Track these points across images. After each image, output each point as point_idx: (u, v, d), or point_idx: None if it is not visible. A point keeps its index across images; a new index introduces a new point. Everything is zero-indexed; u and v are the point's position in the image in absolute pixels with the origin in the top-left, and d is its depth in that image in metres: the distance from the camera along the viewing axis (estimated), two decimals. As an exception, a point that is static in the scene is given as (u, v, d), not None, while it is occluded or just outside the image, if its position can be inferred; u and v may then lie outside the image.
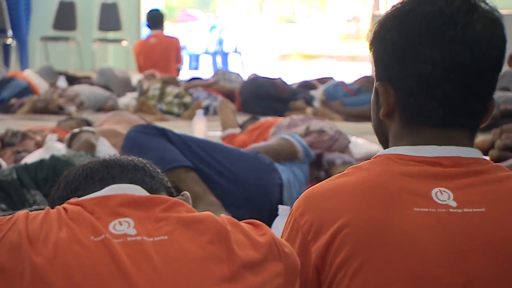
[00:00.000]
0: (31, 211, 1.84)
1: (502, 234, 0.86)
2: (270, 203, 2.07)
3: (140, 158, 0.95)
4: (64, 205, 0.85)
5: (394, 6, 0.93)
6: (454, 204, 0.87)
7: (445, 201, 0.87)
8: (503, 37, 0.93)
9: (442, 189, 0.88)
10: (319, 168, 2.83)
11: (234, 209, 2.03)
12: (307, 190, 0.93)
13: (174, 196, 0.92)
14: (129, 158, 0.94)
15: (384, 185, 0.88)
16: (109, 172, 0.91)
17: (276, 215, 2.00)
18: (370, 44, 0.95)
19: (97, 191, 0.88)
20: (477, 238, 0.85)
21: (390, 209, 0.86)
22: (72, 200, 0.87)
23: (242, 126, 3.39)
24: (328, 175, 2.60)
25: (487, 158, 0.95)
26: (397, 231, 0.85)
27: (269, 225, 2.09)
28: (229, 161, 2.07)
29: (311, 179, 2.66)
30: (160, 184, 0.92)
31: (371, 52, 0.94)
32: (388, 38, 0.92)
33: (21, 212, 0.83)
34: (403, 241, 0.85)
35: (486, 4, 0.93)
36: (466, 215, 0.86)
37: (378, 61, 0.94)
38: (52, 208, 0.88)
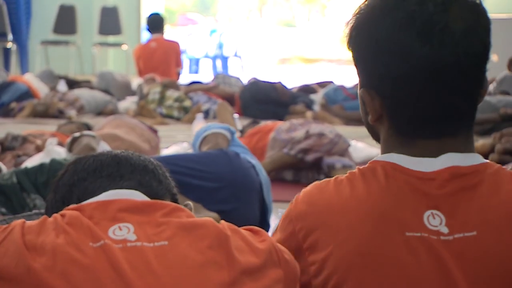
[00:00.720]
0: (31, 215, 1.83)
1: (493, 259, 0.83)
2: (252, 185, 2.12)
3: (152, 159, 0.95)
4: (62, 211, 0.85)
5: (366, 10, 0.90)
6: (445, 230, 0.84)
7: (436, 226, 0.84)
8: (486, 29, 0.87)
9: (434, 212, 0.85)
10: (319, 171, 2.84)
11: (225, 203, 2.07)
12: (311, 190, 0.91)
13: (178, 203, 0.91)
14: (141, 158, 0.93)
15: (380, 209, 0.85)
16: (118, 169, 0.90)
17: (261, 194, 2.04)
18: (351, 51, 0.92)
19: (103, 186, 0.88)
20: (467, 266, 0.83)
21: (382, 233, 0.84)
22: (71, 206, 0.86)
23: (242, 131, 3.39)
24: None
25: (487, 161, 0.92)
26: (388, 256, 0.84)
27: (262, 209, 2.12)
28: (203, 164, 2.11)
29: (310, 182, 2.67)
30: (166, 189, 0.92)
31: (353, 59, 0.91)
32: (364, 40, 0.89)
33: (18, 221, 0.83)
34: (394, 267, 0.84)
35: None
36: (457, 242, 0.84)
37: (360, 68, 0.91)
38: (56, 193, 0.88)
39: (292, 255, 0.87)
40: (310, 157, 2.82)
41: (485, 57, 0.88)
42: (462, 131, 0.90)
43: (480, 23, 0.87)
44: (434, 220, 0.84)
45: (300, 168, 2.89)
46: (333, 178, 0.92)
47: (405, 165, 0.88)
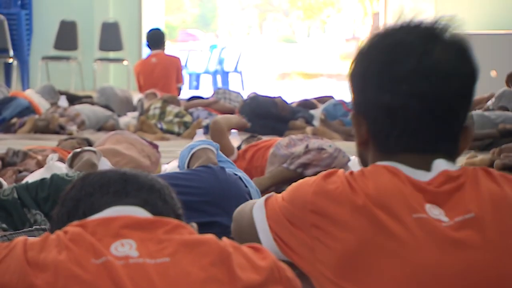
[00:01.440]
0: (32, 231, 1.83)
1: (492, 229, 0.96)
2: (241, 195, 2.14)
3: (159, 179, 0.96)
4: (65, 228, 0.85)
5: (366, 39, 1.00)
6: (446, 219, 0.95)
7: (437, 215, 0.95)
8: (469, 63, 0.96)
9: (434, 205, 0.96)
10: None
11: (214, 216, 2.08)
12: (324, 186, 0.97)
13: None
14: (148, 177, 0.94)
15: (387, 194, 0.94)
16: (125, 187, 0.91)
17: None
18: (349, 81, 1.02)
19: (109, 202, 0.89)
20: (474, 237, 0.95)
21: (392, 214, 0.92)
22: (75, 222, 0.87)
23: (239, 147, 3.40)
24: None
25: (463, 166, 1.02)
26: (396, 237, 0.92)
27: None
28: (189, 180, 2.13)
29: None
30: (171, 209, 0.93)
31: (349, 86, 1.00)
32: (356, 70, 0.99)
33: (20, 238, 0.84)
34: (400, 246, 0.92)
35: (452, 32, 0.97)
36: (458, 224, 0.96)
37: (352, 93, 1.01)
38: (63, 207, 0.89)
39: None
40: (309, 171, 2.83)
41: (467, 89, 0.96)
42: (442, 152, 0.99)
43: (463, 59, 0.96)
44: (435, 211, 0.94)
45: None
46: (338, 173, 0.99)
47: (405, 172, 0.96)
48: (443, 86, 0.94)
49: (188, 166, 2.33)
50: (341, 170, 0.99)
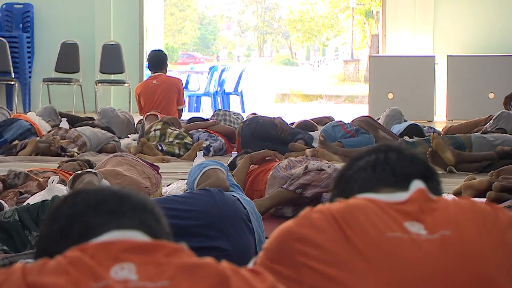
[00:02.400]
0: (32, 253, 1.83)
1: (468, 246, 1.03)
2: (239, 217, 2.14)
3: (148, 198, 0.96)
4: (65, 253, 0.85)
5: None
6: (424, 232, 1.03)
7: (416, 231, 1.03)
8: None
9: (413, 222, 1.04)
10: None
11: (215, 239, 2.08)
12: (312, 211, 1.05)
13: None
14: (140, 196, 0.94)
15: (366, 216, 1.04)
16: (120, 207, 0.91)
17: (250, 226, 2.04)
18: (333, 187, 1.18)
19: (106, 223, 0.88)
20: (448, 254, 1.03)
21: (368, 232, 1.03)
22: (74, 247, 0.87)
23: (231, 164, 3.42)
24: None
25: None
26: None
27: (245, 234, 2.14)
28: (187, 204, 2.14)
29: None
30: (163, 230, 0.93)
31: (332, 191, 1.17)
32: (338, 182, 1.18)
33: (19, 264, 0.84)
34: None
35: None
36: (437, 239, 1.04)
37: (337, 193, 1.16)
38: (53, 223, 0.89)
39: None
40: (309, 192, 2.83)
41: (426, 172, 1.14)
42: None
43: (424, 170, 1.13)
44: (414, 227, 1.01)
45: (300, 203, 2.90)
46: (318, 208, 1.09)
47: (382, 199, 1.06)
48: (409, 166, 1.13)
49: (197, 185, 2.35)
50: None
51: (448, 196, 2.93)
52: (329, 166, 2.91)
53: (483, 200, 2.96)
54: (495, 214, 1.04)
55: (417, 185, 1.07)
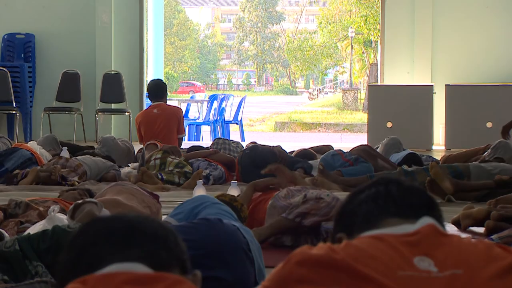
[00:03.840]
0: (33, 283, 1.83)
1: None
2: (239, 246, 2.14)
3: (164, 224, 0.96)
4: (67, 285, 0.86)
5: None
6: (435, 269, 1.00)
7: (426, 268, 1.00)
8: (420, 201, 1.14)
9: (423, 257, 1.01)
10: (317, 237, 2.85)
11: (214, 269, 2.09)
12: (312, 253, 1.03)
13: (188, 272, 0.93)
14: (154, 223, 0.94)
15: (374, 255, 1.01)
16: (129, 237, 0.91)
17: (250, 255, 2.06)
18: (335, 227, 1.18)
19: (111, 253, 0.89)
20: None
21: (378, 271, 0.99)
22: (76, 279, 0.88)
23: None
24: None
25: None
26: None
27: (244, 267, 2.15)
28: (184, 233, 2.14)
29: (301, 244, 2.71)
30: (175, 257, 0.93)
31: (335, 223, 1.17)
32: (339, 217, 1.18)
33: None
34: None
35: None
36: (446, 277, 1.01)
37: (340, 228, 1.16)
38: (69, 253, 0.90)
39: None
40: (308, 220, 2.84)
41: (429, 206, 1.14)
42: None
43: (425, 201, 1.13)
44: (424, 263, 0.99)
45: (299, 233, 2.91)
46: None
47: (389, 231, 1.04)
48: (411, 198, 1.14)
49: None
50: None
51: (461, 234, 2.93)
52: (328, 195, 2.92)
53: (482, 229, 2.97)
54: (510, 260, 1.02)
55: (427, 220, 1.06)
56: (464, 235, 2.26)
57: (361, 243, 1.02)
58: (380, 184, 1.13)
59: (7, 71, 7.84)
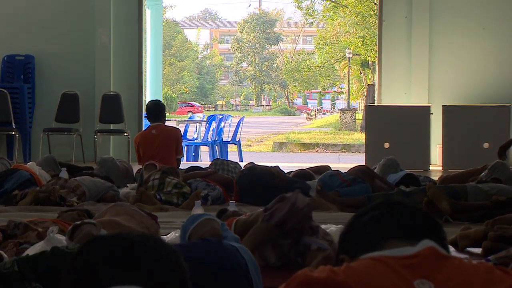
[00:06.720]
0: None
1: None
2: (237, 267, 2.14)
3: (167, 245, 0.96)
4: None
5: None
6: None
7: None
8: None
9: (423, 280, 1.01)
10: (297, 250, 2.81)
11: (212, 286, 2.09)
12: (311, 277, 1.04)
13: None
14: (156, 243, 0.94)
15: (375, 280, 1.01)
16: (129, 258, 0.91)
17: (249, 276, 2.05)
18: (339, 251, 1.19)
19: (112, 277, 0.90)
20: None
21: None
22: None
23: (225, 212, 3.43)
24: (304, 261, 2.64)
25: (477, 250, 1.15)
26: None
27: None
28: (183, 254, 2.14)
29: (285, 261, 2.72)
30: (175, 277, 0.93)
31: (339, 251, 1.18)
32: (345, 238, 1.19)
33: None
34: None
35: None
36: None
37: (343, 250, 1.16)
38: (70, 274, 0.91)
39: None
40: (274, 219, 2.83)
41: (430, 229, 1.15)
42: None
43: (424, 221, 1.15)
44: (424, 286, 0.99)
45: (280, 245, 2.86)
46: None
47: (389, 254, 1.04)
48: (415, 218, 1.16)
49: (189, 237, 2.36)
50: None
51: (459, 255, 2.93)
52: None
53: (479, 249, 2.98)
54: (511, 283, 1.02)
55: (427, 243, 1.06)
56: (461, 256, 2.26)
57: (361, 265, 1.02)
58: (384, 206, 1.13)
59: (7, 92, 7.87)
